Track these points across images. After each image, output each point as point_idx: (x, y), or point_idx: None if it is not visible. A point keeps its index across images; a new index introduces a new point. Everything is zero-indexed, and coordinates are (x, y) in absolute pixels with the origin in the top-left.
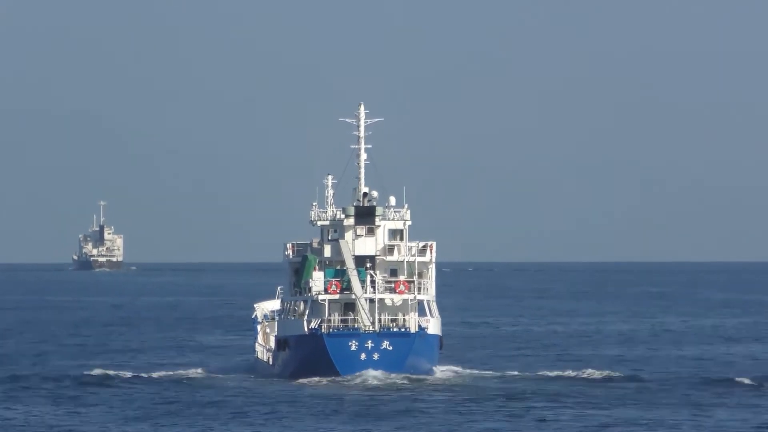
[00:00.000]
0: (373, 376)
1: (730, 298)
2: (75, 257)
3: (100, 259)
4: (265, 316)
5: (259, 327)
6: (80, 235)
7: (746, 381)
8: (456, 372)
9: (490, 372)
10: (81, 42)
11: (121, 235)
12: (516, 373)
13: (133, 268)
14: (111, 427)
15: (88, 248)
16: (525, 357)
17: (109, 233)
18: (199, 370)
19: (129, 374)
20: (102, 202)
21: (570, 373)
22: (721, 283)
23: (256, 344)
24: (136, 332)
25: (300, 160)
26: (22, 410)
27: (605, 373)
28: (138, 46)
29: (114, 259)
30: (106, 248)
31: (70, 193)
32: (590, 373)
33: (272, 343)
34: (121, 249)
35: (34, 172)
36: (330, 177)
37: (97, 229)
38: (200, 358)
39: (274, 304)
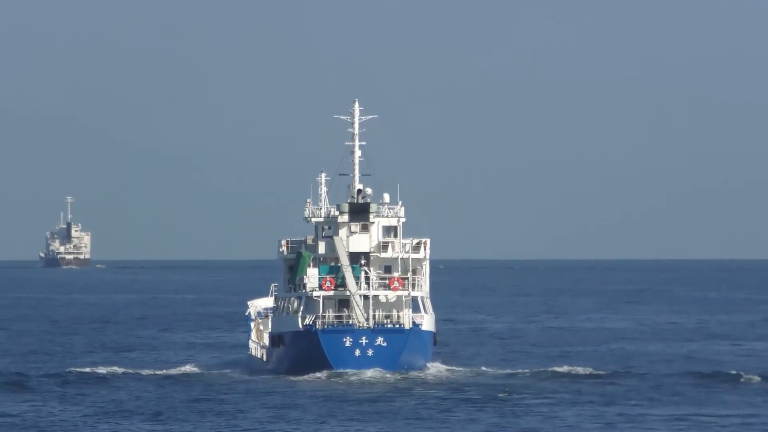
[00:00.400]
0: (370, 376)
1: (701, 296)
2: (42, 254)
3: (68, 257)
4: (258, 313)
5: (252, 324)
6: (47, 233)
7: (755, 378)
8: (450, 369)
9: (485, 369)
10: (44, 41)
11: (89, 233)
12: (514, 370)
13: (102, 265)
14: (115, 423)
15: (56, 245)
16: (515, 353)
17: (76, 230)
18: (193, 367)
19: (122, 371)
20: (69, 199)
21: (567, 368)
22: (692, 281)
23: (250, 341)
24: (120, 330)
25: (289, 157)
26: (19, 407)
27: (609, 370)
28: (113, 41)
29: (81, 257)
30: (74, 245)
31: (37, 190)
32: (589, 370)
33: (266, 340)
34: (89, 246)
35: (0, 169)
36: (323, 174)
37: (65, 226)
38: (190, 355)
39: (268, 302)
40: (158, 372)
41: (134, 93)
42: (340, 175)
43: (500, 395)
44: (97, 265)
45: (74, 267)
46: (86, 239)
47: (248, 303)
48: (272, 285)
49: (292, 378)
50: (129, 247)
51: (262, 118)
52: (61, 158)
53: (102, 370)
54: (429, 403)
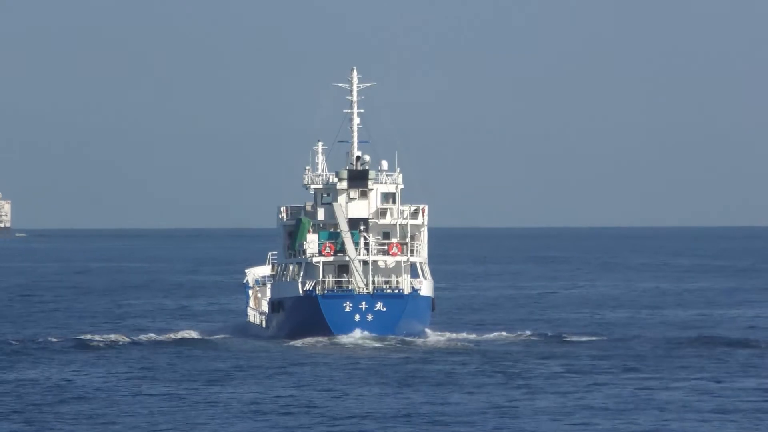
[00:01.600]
0: (362, 337)
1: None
2: None
3: None
4: (256, 281)
5: (250, 291)
6: None
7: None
8: (448, 336)
9: (477, 336)
10: None
11: (9, 201)
12: (506, 334)
13: (22, 234)
14: (139, 386)
15: None
16: (500, 319)
17: None
18: (195, 333)
19: (126, 339)
20: None
21: (562, 334)
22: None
23: (248, 308)
24: (88, 298)
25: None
26: (34, 374)
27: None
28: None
29: (2, 225)
30: None
31: None
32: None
33: (264, 307)
34: (9, 215)
35: None
36: (320, 143)
37: None
38: (184, 323)
39: (265, 270)
40: (161, 337)
41: (83, 66)
42: (339, 142)
43: (522, 363)
44: (17, 234)
45: None
46: (6, 207)
47: (246, 271)
48: (269, 253)
49: (290, 341)
50: (49, 216)
51: (257, 86)
52: None
53: (103, 336)
54: (458, 370)
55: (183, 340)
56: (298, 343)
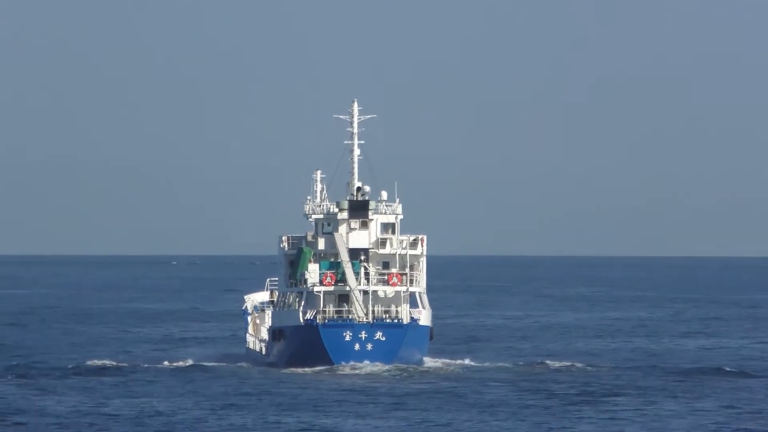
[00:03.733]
0: (362, 366)
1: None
2: None
3: None
4: (255, 307)
5: (249, 318)
6: None
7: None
8: (445, 363)
9: (473, 363)
10: None
11: None
12: (505, 364)
13: None
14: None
15: None
16: (493, 347)
17: None
18: (198, 361)
19: (128, 364)
20: None
21: (556, 364)
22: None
23: (247, 335)
24: (71, 326)
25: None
26: (50, 400)
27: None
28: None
29: None
30: None
31: None
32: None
33: (263, 334)
34: None
35: None
36: (318, 172)
37: None
38: (175, 350)
39: (264, 296)
40: (168, 365)
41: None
42: (349, 173)
43: (516, 388)
44: None
45: None
46: None
47: (245, 297)
48: (268, 279)
49: (290, 369)
50: None
51: (256, 118)
52: None
53: (112, 362)
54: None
55: (191, 367)
56: (301, 371)
